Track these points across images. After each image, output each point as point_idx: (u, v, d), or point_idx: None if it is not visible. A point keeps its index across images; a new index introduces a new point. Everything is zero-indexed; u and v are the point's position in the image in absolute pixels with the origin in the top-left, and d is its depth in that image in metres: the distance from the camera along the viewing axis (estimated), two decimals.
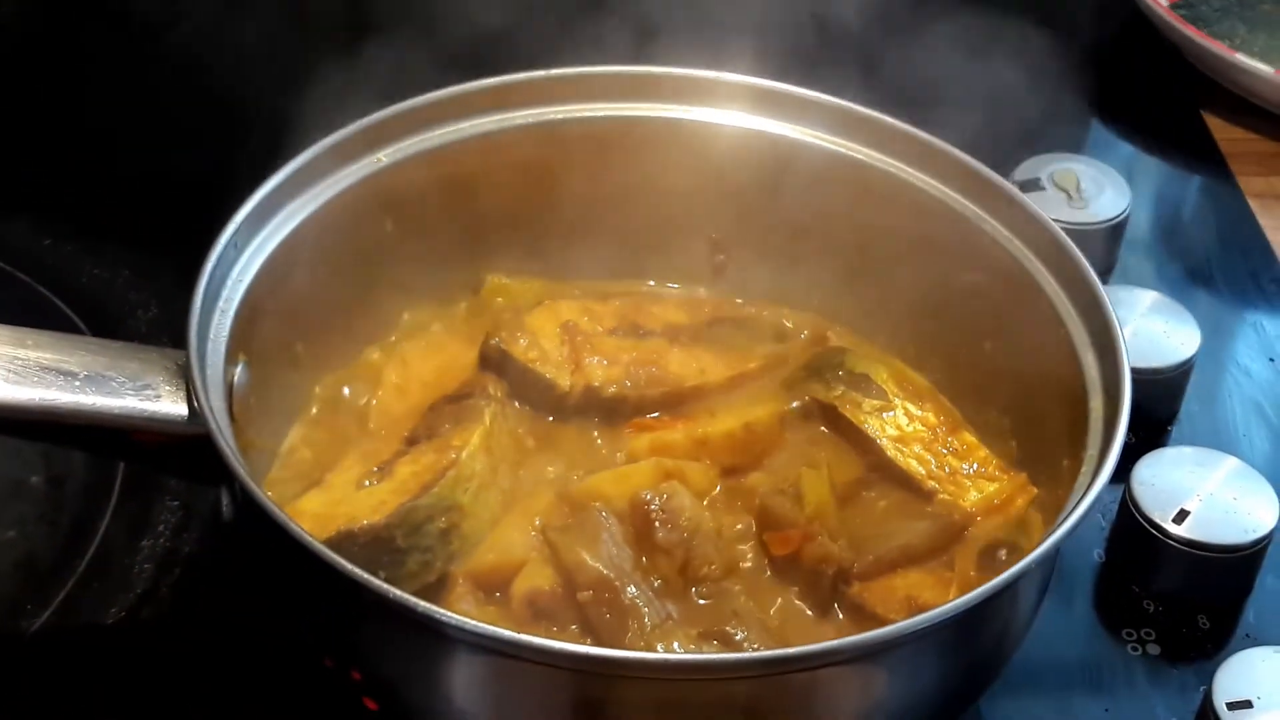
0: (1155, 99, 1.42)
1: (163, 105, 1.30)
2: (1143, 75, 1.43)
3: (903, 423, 0.96)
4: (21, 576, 0.94)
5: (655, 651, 0.81)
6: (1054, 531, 0.77)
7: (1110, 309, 0.88)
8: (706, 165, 1.03)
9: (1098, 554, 1.01)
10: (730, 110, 1.02)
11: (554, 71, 1.01)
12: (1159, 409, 1.09)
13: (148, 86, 1.31)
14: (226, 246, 0.87)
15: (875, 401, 0.96)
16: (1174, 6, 1.45)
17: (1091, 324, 0.89)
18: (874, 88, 1.08)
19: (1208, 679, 0.89)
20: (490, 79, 1.00)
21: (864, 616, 0.87)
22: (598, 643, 0.82)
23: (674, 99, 1.02)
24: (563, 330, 0.99)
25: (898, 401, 0.97)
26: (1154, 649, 0.95)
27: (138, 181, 1.22)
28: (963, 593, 0.76)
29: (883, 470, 0.94)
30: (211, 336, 0.85)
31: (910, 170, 0.99)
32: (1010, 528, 0.91)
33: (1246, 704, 0.87)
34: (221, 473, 0.79)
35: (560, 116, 1.01)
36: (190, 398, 0.82)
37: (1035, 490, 0.92)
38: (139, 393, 0.82)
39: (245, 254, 0.89)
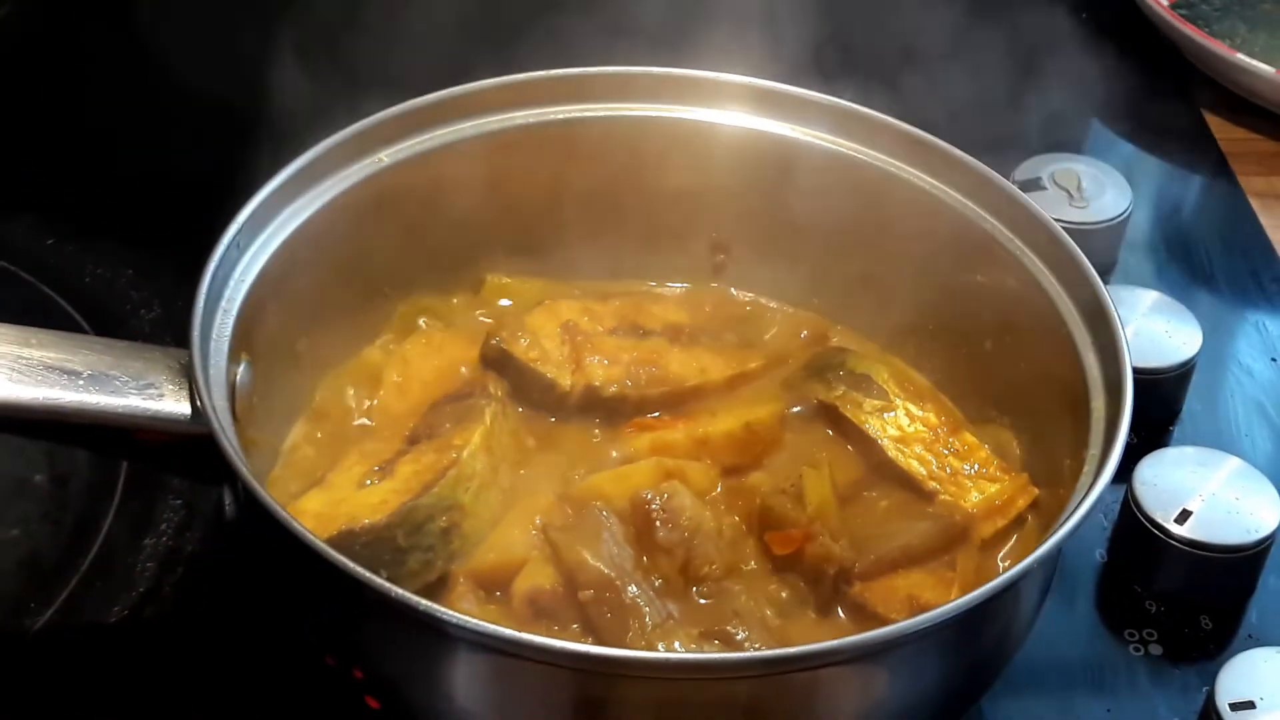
0: (1156, 99, 1.42)
1: (165, 105, 1.30)
2: (1143, 75, 1.43)
3: (904, 423, 0.96)
4: (25, 575, 0.94)
5: (656, 651, 0.81)
6: (1056, 532, 0.77)
7: (1112, 309, 0.88)
8: (707, 165, 1.03)
9: (1100, 554, 1.01)
10: (731, 110, 1.02)
11: (555, 72, 1.01)
12: (1160, 409, 1.09)
13: (149, 86, 1.31)
14: (229, 246, 0.87)
15: (876, 402, 0.96)
16: (1174, 6, 1.45)
17: (1093, 324, 0.89)
18: (874, 88, 1.08)
19: (1210, 679, 0.89)
20: (491, 80, 1.00)
21: (865, 616, 0.87)
22: (599, 642, 0.82)
23: (675, 99, 1.02)
24: (563, 330, 0.99)
25: (899, 402, 0.97)
26: (1156, 649, 0.95)
27: (140, 181, 1.23)
28: (964, 593, 0.76)
29: (884, 470, 0.94)
30: (214, 336, 0.85)
31: (911, 170, 0.99)
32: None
33: (1249, 705, 0.87)
34: (224, 472, 0.79)
35: (561, 117, 1.01)
36: (193, 397, 0.82)
37: (1037, 491, 0.92)
38: (142, 392, 0.83)
39: (248, 254, 0.89)
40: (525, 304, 1.02)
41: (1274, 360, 1.16)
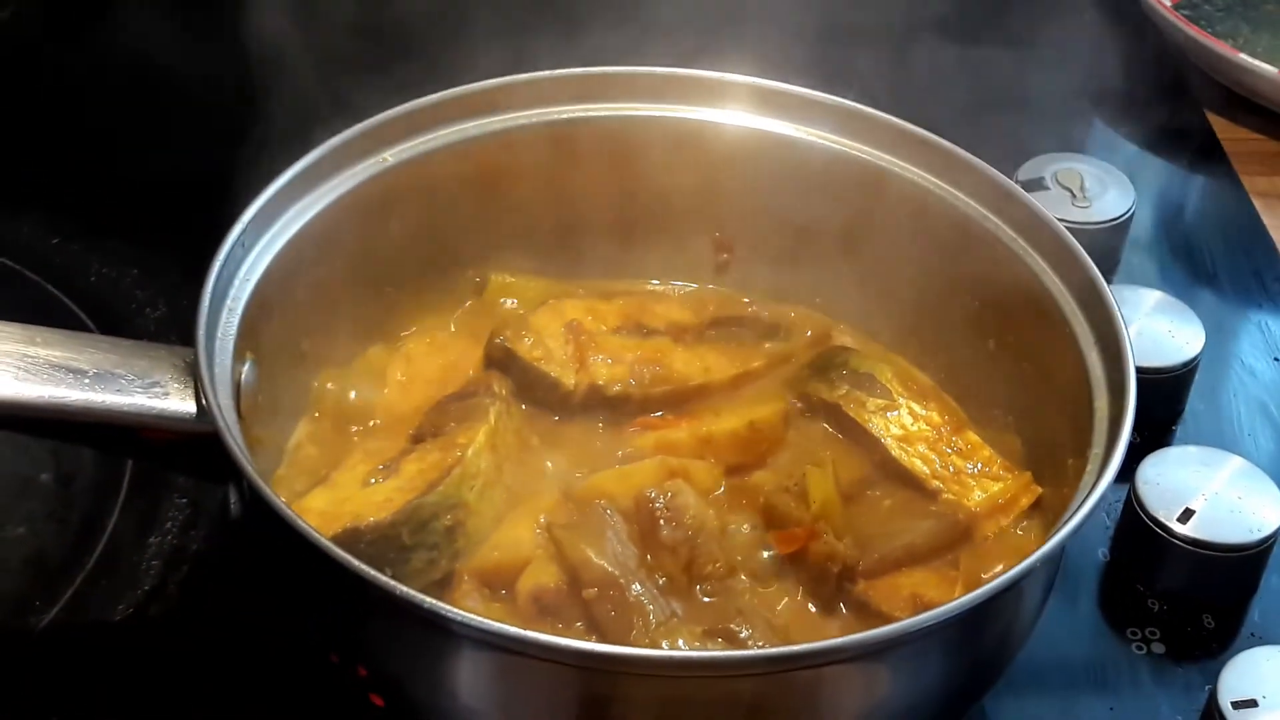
0: (1159, 99, 1.42)
1: (169, 104, 1.30)
2: (1146, 75, 1.43)
3: (907, 422, 0.96)
4: (30, 573, 0.94)
5: (660, 649, 0.82)
6: (1059, 530, 0.78)
7: (1115, 308, 0.88)
8: (710, 165, 1.03)
9: (1102, 553, 1.01)
10: (733, 110, 1.02)
11: (558, 72, 1.01)
12: (1163, 408, 1.09)
13: (154, 85, 1.31)
14: (234, 245, 0.88)
15: (879, 400, 0.97)
16: (1177, 6, 1.45)
17: (1096, 323, 0.89)
18: (875, 88, 1.08)
19: (1213, 678, 0.89)
20: (495, 80, 1.00)
21: (869, 614, 0.87)
22: (603, 640, 0.82)
23: (678, 99, 1.02)
24: (567, 329, 0.99)
25: (902, 401, 0.97)
26: (1159, 648, 0.95)
27: (145, 180, 1.23)
28: (967, 591, 0.76)
29: (887, 469, 0.95)
30: (219, 334, 0.85)
31: (914, 169, 0.99)
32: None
33: (1252, 703, 0.87)
34: (229, 470, 0.79)
35: (565, 117, 1.02)
36: (198, 395, 0.82)
37: (1040, 489, 0.92)
38: (147, 390, 0.83)
39: (253, 253, 0.89)
40: (529, 303, 1.02)
41: (1276, 360, 1.16)
